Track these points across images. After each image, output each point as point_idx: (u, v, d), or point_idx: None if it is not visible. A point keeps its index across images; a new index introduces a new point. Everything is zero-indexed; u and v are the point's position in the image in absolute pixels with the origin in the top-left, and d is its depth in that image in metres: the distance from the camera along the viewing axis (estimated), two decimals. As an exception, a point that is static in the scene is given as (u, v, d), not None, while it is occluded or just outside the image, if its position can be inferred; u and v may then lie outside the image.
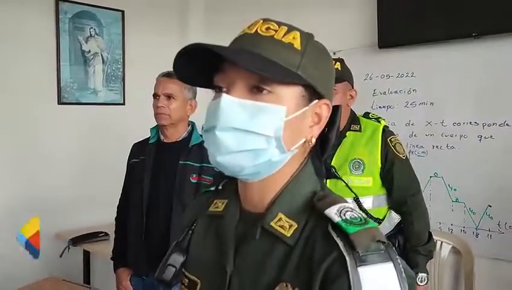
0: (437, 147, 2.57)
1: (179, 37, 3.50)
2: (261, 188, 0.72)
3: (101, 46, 3.17)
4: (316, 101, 0.72)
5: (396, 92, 2.71)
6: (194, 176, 1.86)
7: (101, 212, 2.78)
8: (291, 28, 0.71)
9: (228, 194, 0.79)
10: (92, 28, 3.12)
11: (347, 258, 0.62)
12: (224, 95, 0.67)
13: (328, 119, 0.74)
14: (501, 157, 2.34)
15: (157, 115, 1.90)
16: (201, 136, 1.99)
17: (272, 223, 0.69)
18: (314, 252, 0.65)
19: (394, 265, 0.64)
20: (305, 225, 0.69)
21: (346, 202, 0.70)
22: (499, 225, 2.36)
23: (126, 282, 1.95)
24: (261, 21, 0.72)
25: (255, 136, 0.66)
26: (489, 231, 2.39)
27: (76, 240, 2.66)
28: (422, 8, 2.51)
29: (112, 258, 2.04)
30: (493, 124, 2.37)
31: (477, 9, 2.30)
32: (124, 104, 3.28)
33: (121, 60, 3.25)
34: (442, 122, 2.54)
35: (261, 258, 0.69)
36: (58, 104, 2.99)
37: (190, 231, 0.82)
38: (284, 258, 0.67)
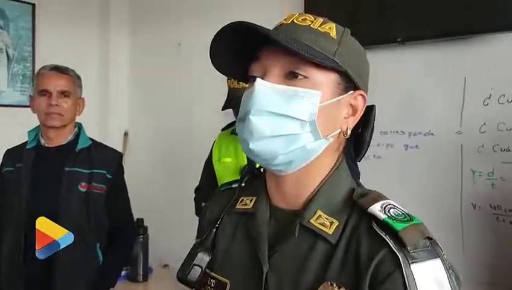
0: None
1: (98, 31, 3.21)
2: (297, 183, 0.70)
3: (6, 41, 2.84)
4: (352, 91, 0.72)
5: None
6: (83, 184, 1.64)
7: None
8: (326, 20, 0.73)
9: (255, 190, 0.76)
10: (-5, 21, 2.80)
11: (399, 255, 0.62)
12: (258, 80, 0.67)
13: (361, 115, 0.73)
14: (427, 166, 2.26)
15: (49, 115, 1.68)
16: (90, 139, 1.76)
17: (312, 221, 0.68)
18: (360, 250, 0.64)
19: (442, 261, 0.64)
20: (346, 223, 0.67)
21: (387, 198, 0.69)
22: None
23: None
24: (298, 14, 0.73)
25: (289, 120, 0.65)
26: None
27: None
28: (351, 11, 2.40)
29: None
30: (418, 133, 2.29)
31: (401, 14, 2.23)
32: (33, 106, 2.97)
33: (31, 57, 2.94)
34: (369, 130, 2.44)
35: (301, 257, 0.67)
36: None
37: (214, 229, 0.77)
38: (327, 257, 0.66)
